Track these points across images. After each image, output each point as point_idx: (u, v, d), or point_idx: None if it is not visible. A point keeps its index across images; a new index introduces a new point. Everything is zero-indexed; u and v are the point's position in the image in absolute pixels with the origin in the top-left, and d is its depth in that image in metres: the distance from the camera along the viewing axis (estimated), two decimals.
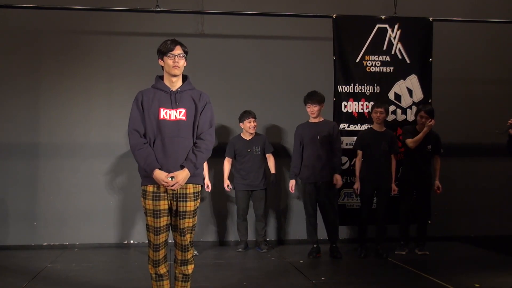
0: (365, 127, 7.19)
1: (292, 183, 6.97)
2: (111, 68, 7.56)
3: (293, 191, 7.03)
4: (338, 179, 6.80)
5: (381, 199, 6.91)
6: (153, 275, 4.34)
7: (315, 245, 6.89)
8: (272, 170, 7.26)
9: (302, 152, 6.92)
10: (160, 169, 4.11)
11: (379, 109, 6.86)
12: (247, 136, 7.18)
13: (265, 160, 7.24)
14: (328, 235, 6.95)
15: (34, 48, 7.45)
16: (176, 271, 4.38)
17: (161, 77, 4.33)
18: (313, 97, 6.84)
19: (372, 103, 7.22)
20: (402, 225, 7.07)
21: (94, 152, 7.49)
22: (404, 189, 7.06)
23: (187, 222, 4.23)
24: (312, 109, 6.83)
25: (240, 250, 7.15)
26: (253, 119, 7.10)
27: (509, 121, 5.24)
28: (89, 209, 7.45)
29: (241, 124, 7.17)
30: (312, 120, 6.92)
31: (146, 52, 7.24)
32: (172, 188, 4.12)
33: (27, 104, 7.42)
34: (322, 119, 6.93)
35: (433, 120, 6.84)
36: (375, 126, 6.95)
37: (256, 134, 7.22)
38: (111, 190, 7.51)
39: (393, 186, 6.92)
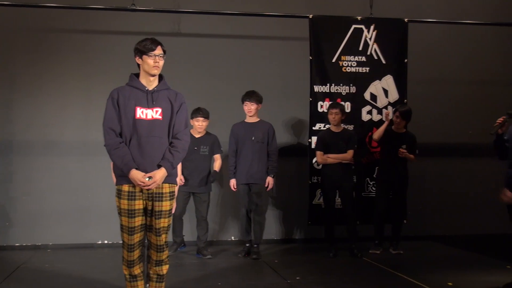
0: (344, 127, 7.22)
1: (232, 182, 6.89)
2: (86, 66, 7.49)
3: (236, 189, 6.91)
4: (270, 181, 6.83)
5: (344, 198, 6.95)
6: (127, 276, 4.31)
7: (247, 245, 6.97)
8: (216, 169, 6.96)
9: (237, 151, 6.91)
10: (137, 169, 4.08)
11: (334, 110, 6.87)
12: (196, 134, 6.91)
13: (211, 162, 7.00)
14: (254, 236, 6.94)
15: (7, 46, 7.34)
16: (151, 272, 4.35)
17: (136, 75, 4.30)
18: (251, 96, 6.82)
19: (348, 103, 7.29)
20: (377, 225, 7.12)
21: (68, 150, 7.41)
22: (380, 189, 7.10)
23: (163, 222, 4.21)
24: (249, 108, 6.82)
25: (171, 252, 6.53)
26: (202, 118, 6.81)
27: (498, 121, 5.26)
28: (63, 209, 7.36)
29: (190, 120, 6.82)
30: (248, 120, 6.92)
31: (121, 50, 7.17)
32: (149, 187, 4.09)
33: (0, 102, 7.31)
34: (258, 119, 6.93)
35: (389, 112, 7.08)
36: (332, 127, 6.98)
37: (207, 133, 6.97)
38: (85, 189, 7.43)
39: None
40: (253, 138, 6.79)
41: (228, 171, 7.00)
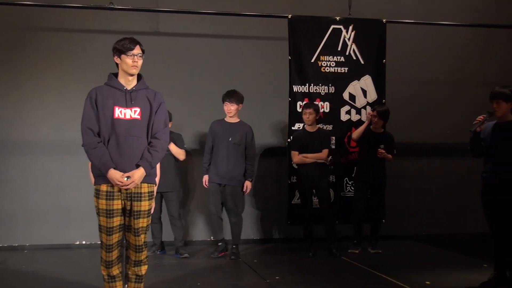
0: (320, 126, 7.25)
1: (205, 178, 6.81)
2: (64, 65, 7.41)
3: (207, 186, 6.83)
4: (248, 186, 6.76)
5: (321, 198, 6.94)
6: (106, 277, 4.27)
7: (219, 244, 6.91)
8: (171, 148, 6.60)
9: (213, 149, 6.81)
10: (115, 168, 4.05)
11: (308, 110, 6.85)
12: None
13: (177, 160, 6.89)
14: (232, 236, 6.86)
15: None
16: (129, 272, 4.32)
17: (115, 75, 4.27)
18: (231, 95, 6.75)
19: (327, 103, 7.31)
20: (356, 224, 7.16)
21: (45, 150, 7.33)
22: (359, 189, 7.14)
23: (142, 222, 4.18)
24: (229, 108, 6.73)
25: (150, 253, 6.62)
26: None
27: (478, 118, 5.32)
28: (40, 209, 7.28)
29: None
30: (228, 120, 6.83)
31: (99, 50, 7.15)
32: (127, 187, 4.06)
33: None
34: (238, 120, 6.86)
35: (372, 113, 7.03)
36: (308, 127, 6.97)
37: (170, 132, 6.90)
38: (62, 189, 7.35)
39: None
40: (230, 139, 6.71)
41: (201, 168, 6.92)
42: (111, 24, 7.38)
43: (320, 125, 7.14)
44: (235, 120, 6.84)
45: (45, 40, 7.40)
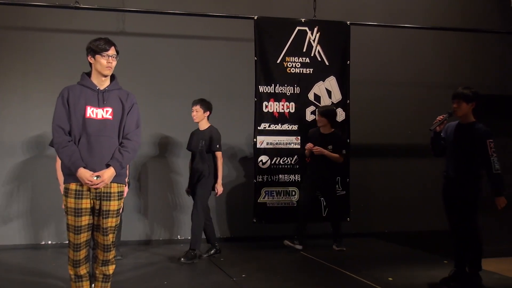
0: (285, 127, 7.33)
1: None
2: (27, 64, 7.33)
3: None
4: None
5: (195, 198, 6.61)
6: (73, 276, 4.26)
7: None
8: None
9: None
10: (84, 167, 4.05)
11: (193, 107, 6.55)
12: None
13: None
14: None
15: None
16: (97, 272, 4.32)
17: (88, 74, 4.26)
18: None
19: (293, 103, 7.38)
20: (299, 224, 7.14)
21: (9, 150, 7.24)
22: (305, 189, 7.20)
23: (110, 222, 4.19)
24: None
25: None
26: None
27: (438, 118, 5.45)
28: (4, 209, 7.21)
29: None
30: None
31: (64, 49, 7.11)
32: (97, 186, 4.07)
33: None
34: None
35: (309, 146, 6.96)
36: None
37: None
38: (27, 189, 7.28)
39: (217, 187, 6.52)
40: None
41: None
42: (76, 24, 7.31)
43: (287, 125, 7.15)
44: None
45: (8, 39, 7.31)
